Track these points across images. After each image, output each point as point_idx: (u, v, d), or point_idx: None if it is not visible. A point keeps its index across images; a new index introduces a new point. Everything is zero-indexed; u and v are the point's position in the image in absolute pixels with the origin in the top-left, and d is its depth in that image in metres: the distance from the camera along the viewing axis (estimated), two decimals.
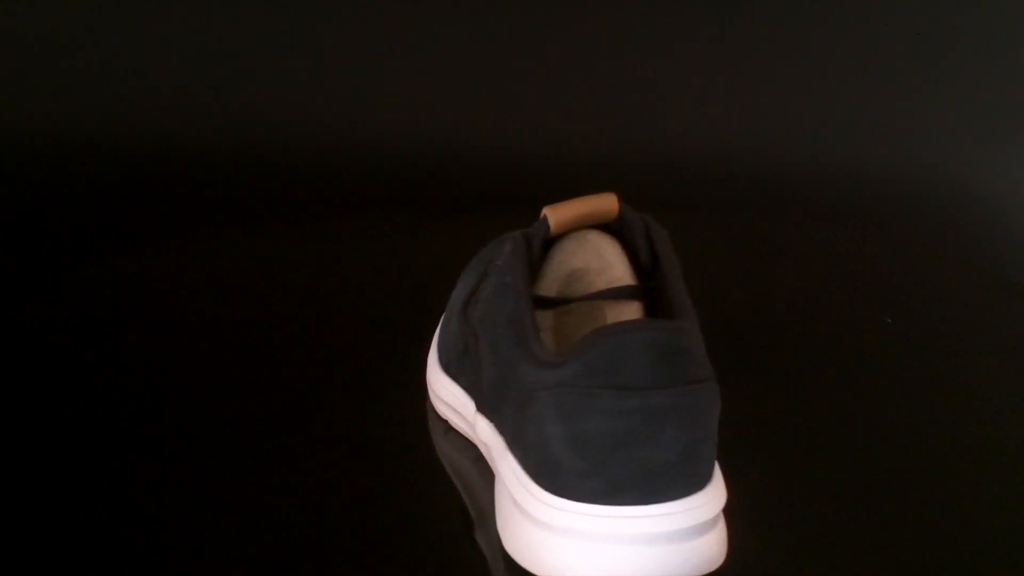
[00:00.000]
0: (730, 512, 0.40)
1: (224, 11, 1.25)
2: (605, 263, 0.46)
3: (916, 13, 1.29)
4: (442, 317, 0.51)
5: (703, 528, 0.38)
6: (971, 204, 1.26)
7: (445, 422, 0.49)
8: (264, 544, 0.42)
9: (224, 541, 0.42)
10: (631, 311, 0.45)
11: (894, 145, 1.30)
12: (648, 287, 0.45)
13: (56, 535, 0.42)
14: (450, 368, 0.48)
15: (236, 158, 1.22)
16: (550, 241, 0.46)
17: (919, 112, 1.30)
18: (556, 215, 0.44)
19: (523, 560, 0.39)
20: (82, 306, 0.64)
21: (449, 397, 0.48)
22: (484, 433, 0.44)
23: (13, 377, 0.55)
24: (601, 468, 0.37)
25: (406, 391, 0.52)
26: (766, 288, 0.65)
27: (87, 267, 0.70)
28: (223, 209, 1.13)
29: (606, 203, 0.44)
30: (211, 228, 0.81)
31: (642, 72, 1.30)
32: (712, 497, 0.39)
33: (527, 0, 1.29)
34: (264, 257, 0.72)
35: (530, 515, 0.39)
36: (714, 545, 0.39)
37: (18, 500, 0.44)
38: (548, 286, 0.45)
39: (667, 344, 0.37)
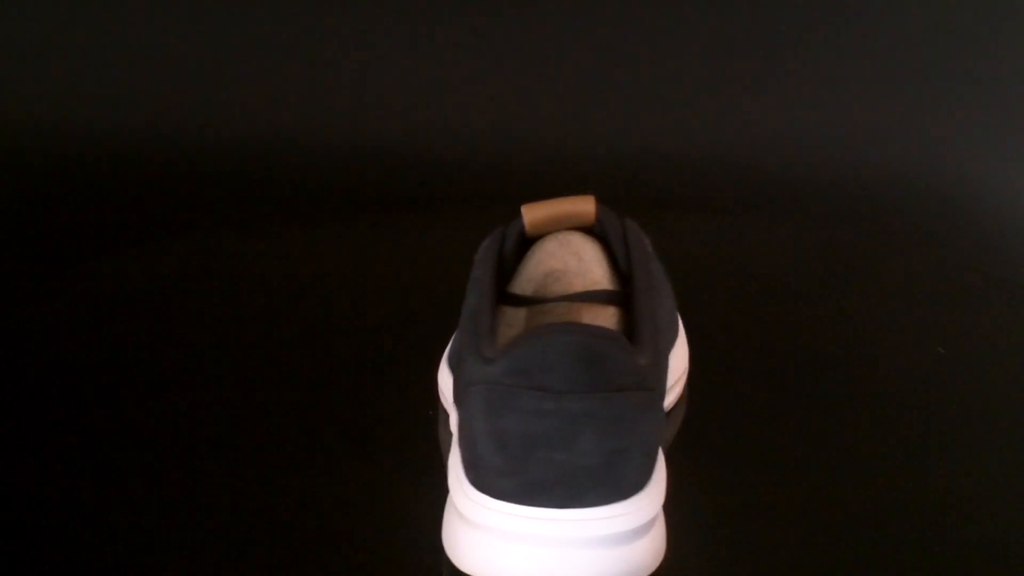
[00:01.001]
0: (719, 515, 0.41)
1: (224, 12, 1.28)
2: (585, 266, 0.46)
3: (917, 14, 1.29)
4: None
5: (623, 538, 0.38)
6: (971, 204, 1.26)
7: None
8: (266, 543, 0.42)
9: (226, 540, 0.42)
10: (606, 315, 0.45)
11: (894, 145, 1.29)
12: (625, 292, 0.44)
13: (54, 535, 0.42)
14: (451, 362, 0.49)
15: (236, 158, 1.23)
16: (532, 240, 0.46)
17: (919, 112, 1.30)
18: (531, 214, 0.44)
19: (449, 552, 0.40)
20: (82, 305, 0.64)
21: (448, 392, 0.49)
22: (453, 425, 0.44)
23: (12, 377, 0.55)
24: (519, 468, 0.37)
25: (406, 390, 0.52)
26: (766, 288, 0.63)
27: (87, 266, 0.71)
28: (223, 209, 1.15)
29: (583, 206, 0.44)
30: (211, 228, 0.82)
31: (643, 72, 1.31)
32: (636, 508, 0.38)
33: (529, 1, 1.30)
34: (264, 257, 0.72)
35: (457, 508, 0.39)
36: (636, 557, 0.38)
37: (16, 500, 0.45)
38: (524, 285, 0.45)
39: (589, 349, 0.37)
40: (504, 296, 0.45)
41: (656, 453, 0.40)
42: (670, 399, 0.52)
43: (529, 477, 0.37)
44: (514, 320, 0.45)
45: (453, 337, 0.51)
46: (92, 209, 1.16)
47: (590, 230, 0.46)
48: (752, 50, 1.31)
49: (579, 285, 0.45)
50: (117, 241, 1.03)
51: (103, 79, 1.26)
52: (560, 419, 0.37)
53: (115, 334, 0.60)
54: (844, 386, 0.56)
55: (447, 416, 0.50)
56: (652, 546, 0.39)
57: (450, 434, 0.48)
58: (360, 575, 0.41)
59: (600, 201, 0.45)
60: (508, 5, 1.29)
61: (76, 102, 1.25)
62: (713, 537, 0.44)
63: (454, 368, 0.47)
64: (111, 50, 1.27)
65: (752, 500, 0.46)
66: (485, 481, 0.38)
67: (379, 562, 0.41)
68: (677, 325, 0.54)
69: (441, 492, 0.45)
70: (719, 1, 1.30)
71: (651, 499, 0.39)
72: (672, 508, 0.44)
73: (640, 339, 0.41)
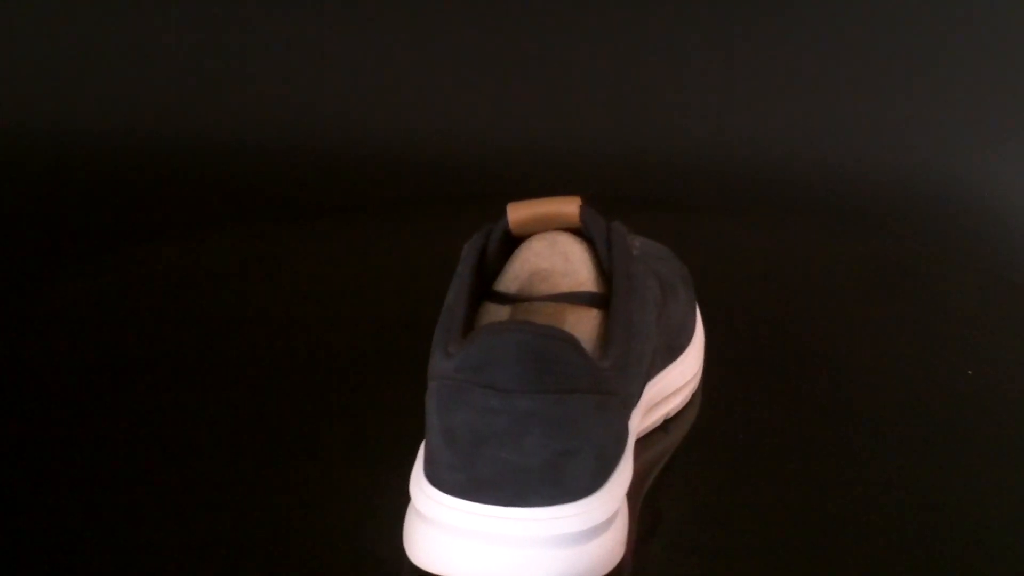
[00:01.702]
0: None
1: (224, 12, 1.28)
2: (571, 266, 0.45)
3: (917, 14, 1.27)
4: None
5: (569, 540, 0.38)
6: (971, 204, 1.24)
7: None
8: (264, 543, 0.42)
9: (224, 540, 0.43)
10: (588, 317, 0.45)
11: (895, 145, 1.29)
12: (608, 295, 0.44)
13: (51, 534, 0.43)
14: None
15: (236, 158, 1.24)
16: (522, 239, 0.46)
17: (920, 112, 1.29)
18: (515, 213, 0.44)
19: (405, 546, 0.40)
20: (81, 305, 0.64)
21: None
22: None
23: (11, 377, 0.55)
24: (467, 463, 0.37)
25: (407, 389, 0.53)
26: (765, 287, 0.62)
27: (87, 266, 0.71)
28: (223, 209, 1.15)
29: (567, 207, 0.44)
30: (211, 228, 0.82)
31: (645, 73, 1.30)
32: (584, 511, 0.38)
33: (530, 1, 1.29)
34: (264, 257, 0.73)
35: (412, 500, 0.40)
36: (583, 560, 0.38)
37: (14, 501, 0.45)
38: (510, 283, 0.45)
39: (538, 349, 0.37)
40: (490, 294, 0.45)
41: (613, 456, 0.40)
42: (676, 402, 0.52)
43: (476, 473, 0.37)
44: (497, 317, 0.45)
45: None
46: (91, 209, 1.18)
47: (580, 231, 0.46)
48: (757, 51, 1.31)
49: (565, 286, 0.45)
50: (116, 241, 1.03)
51: (102, 79, 1.28)
52: (507, 417, 0.37)
53: (113, 333, 0.60)
54: (844, 385, 0.56)
55: None
56: (601, 551, 0.39)
57: None
58: (326, 567, 0.42)
59: (587, 203, 0.45)
60: (512, 6, 1.31)
61: (76, 102, 1.27)
62: (716, 539, 0.44)
63: None
64: (110, 50, 1.28)
65: (751, 501, 0.46)
66: (437, 476, 0.38)
67: (380, 561, 0.42)
68: (691, 330, 0.53)
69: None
70: (723, 3, 1.31)
71: (602, 503, 0.39)
72: (672, 511, 0.44)
73: (610, 343, 0.41)
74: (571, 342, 0.37)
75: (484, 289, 0.46)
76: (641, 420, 0.48)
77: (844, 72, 1.30)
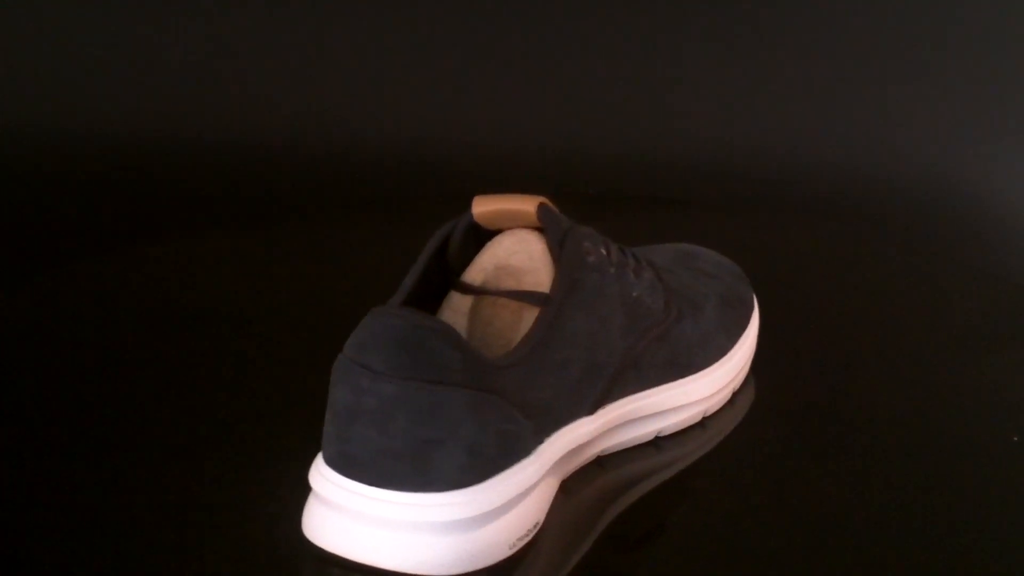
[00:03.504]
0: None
1: (224, 12, 1.28)
2: (534, 265, 0.45)
3: (917, 14, 1.29)
4: None
5: (431, 528, 0.38)
6: (971, 204, 1.26)
7: None
8: (262, 542, 0.42)
9: (222, 539, 0.43)
10: (534, 318, 0.44)
11: (894, 145, 1.30)
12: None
13: (48, 533, 0.43)
14: None
15: (236, 157, 1.24)
16: (494, 233, 0.47)
17: (920, 113, 1.31)
18: (479, 206, 0.45)
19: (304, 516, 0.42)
20: (80, 304, 0.65)
21: None
22: None
23: (11, 376, 0.55)
24: (341, 438, 0.39)
25: None
26: (765, 287, 0.59)
27: (86, 265, 0.71)
28: (223, 209, 1.15)
29: (528, 205, 0.44)
30: (211, 228, 0.82)
31: (646, 73, 1.33)
32: (448, 503, 0.38)
33: (531, 1, 1.31)
34: (264, 257, 0.73)
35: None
36: (439, 552, 0.38)
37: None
38: (475, 275, 0.46)
39: (407, 336, 0.37)
40: (457, 284, 0.46)
41: (496, 457, 0.39)
42: (675, 420, 0.50)
43: (348, 449, 0.38)
44: (460, 307, 0.46)
45: None
46: (90, 209, 1.20)
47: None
48: (757, 51, 1.32)
49: (527, 283, 0.45)
50: (115, 240, 1.05)
51: (103, 80, 1.31)
52: (376, 399, 0.38)
53: (112, 333, 0.60)
54: (842, 385, 0.56)
55: None
56: (472, 547, 0.39)
57: None
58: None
59: (546, 204, 0.44)
60: (513, 6, 1.31)
61: (75, 102, 1.30)
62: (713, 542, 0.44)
63: None
64: (111, 51, 1.31)
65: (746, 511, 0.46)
66: (324, 447, 0.40)
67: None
68: (716, 351, 0.51)
69: None
70: (723, 3, 1.32)
71: (472, 499, 0.38)
72: (676, 511, 0.45)
73: (520, 344, 0.41)
74: (446, 334, 0.38)
75: (453, 278, 0.47)
76: (611, 434, 0.47)
77: (845, 73, 1.34)
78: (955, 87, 1.30)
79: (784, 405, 0.54)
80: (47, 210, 1.22)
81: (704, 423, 0.52)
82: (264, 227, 0.82)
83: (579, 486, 0.47)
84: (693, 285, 0.53)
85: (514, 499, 0.40)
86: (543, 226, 0.44)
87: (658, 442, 0.50)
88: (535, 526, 0.42)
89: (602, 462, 0.49)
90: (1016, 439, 0.52)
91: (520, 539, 0.41)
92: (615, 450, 0.49)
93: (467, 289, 0.46)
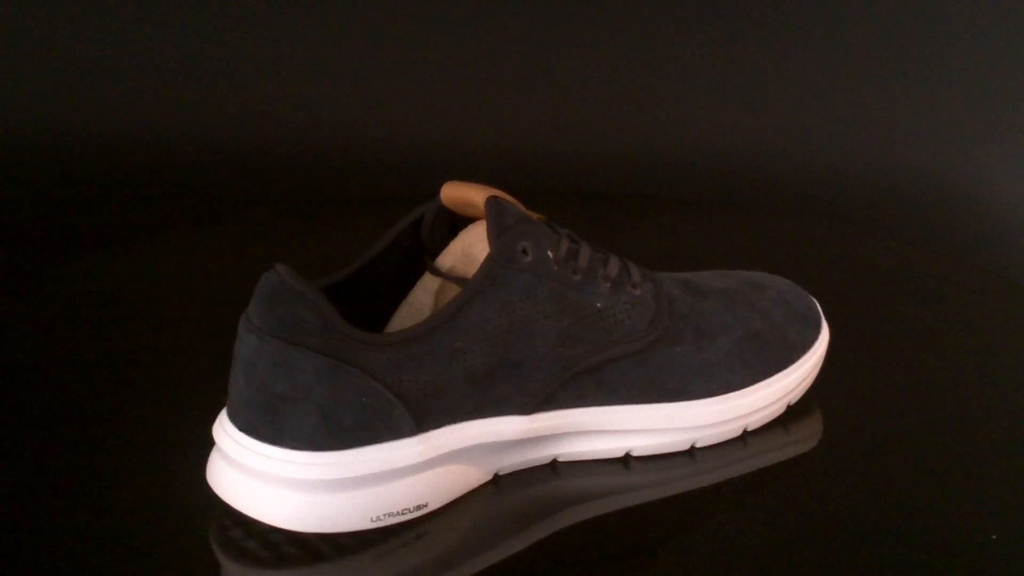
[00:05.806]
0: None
1: (224, 13, 1.26)
2: None
3: (917, 14, 1.30)
4: None
5: (291, 484, 0.40)
6: (971, 204, 1.28)
7: None
8: (260, 541, 0.42)
9: (220, 539, 0.43)
10: None
11: (894, 145, 1.31)
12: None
13: (41, 532, 0.43)
14: None
15: (235, 157, 1.21)
16: (469, 221, 0.48)
17: (920, 113, 1.31)
18: (447, 190, 0.46)
19: None
20: (78, 304, 0.65)
21: None
22: None
23: (11, 376, 0.56)
24: (231, 384, 0.42)
25: None
26: None
27: (86, 264, 0.71)
28: (222, 209, 1.12)
29: (479, 197, 0.45)
30: (210, 228, 0.80)
31: (646, 72, 1.30)
32: (303, 461, 0.40)
33: (531, 2, 1.28)
34: (263, 256, 0.71)
35: None
36: (290, 506, 0.40)
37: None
38: (444, 259, 0.47)
39: (276, 294, 0.40)
40: (432, 267, 0.48)
41: (356, 427, 0.40)
42: (645, 442, 0.48)
43: (232, 395, 0.42)
44: (429, 287, 0.47)
45: None
46: (89, 209, 1.19)
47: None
48: (757, 51, 1.29)
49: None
50: (114, 239, 1.01)
51: (103, 80, 1.28)
52: (247, 349, 0.40)
53: (110, 333, 0.61)
54: (842, 385, 0.55)
55: None
56: (318, 509, 0.40)
57: None
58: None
59: (503, 197, 0.44)
60: (515, 6, 1.28)
61: (76, 103, 1.28)
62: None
63: None
64: (111, 51, 1.29)
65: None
66: None
67: (378, 558, 0.42)
68: (712, 383, 0.48)
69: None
70: (724, 4, 1.32)
71: (321, 462, 0.40)
72: (675, 514, 0.45)
73: (416, 326, 0.42)
74: (312, 300, 0.39)
75: (428, 260, 0.48)
76: (569, 440, 0.47)
77: (844, 73, 1.33)
78: (955, 87, 1.27)
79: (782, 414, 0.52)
80: (47, 210, 1.21)
81: (693, 452, 0.49)
82: (264, 227, 0.83)
83: (519, 486, 0.46)
84: (719, 315, 0.50)
85: (383, 474, 0.41)
86: (486, 219, 0.44)
87: (629, 461, 0.48)
88: (417, 508, 0.43)
89: (558, 468, 0.48)
90: (994, 536, 0.44)
91: (389, 515, 0.42)
92: (577, 458, 0.48)
93: (436, 272, 0.47)
